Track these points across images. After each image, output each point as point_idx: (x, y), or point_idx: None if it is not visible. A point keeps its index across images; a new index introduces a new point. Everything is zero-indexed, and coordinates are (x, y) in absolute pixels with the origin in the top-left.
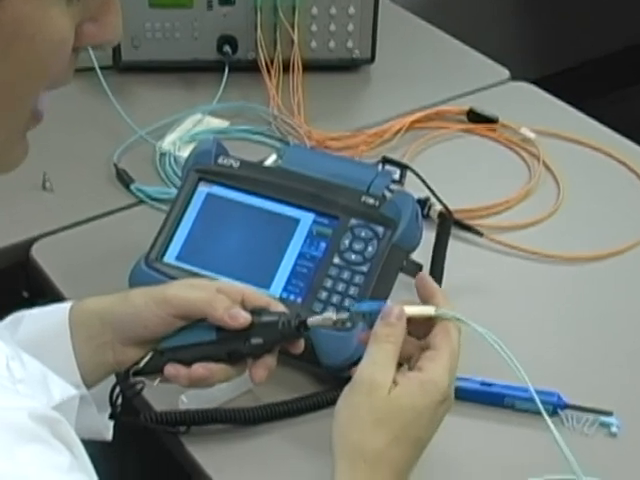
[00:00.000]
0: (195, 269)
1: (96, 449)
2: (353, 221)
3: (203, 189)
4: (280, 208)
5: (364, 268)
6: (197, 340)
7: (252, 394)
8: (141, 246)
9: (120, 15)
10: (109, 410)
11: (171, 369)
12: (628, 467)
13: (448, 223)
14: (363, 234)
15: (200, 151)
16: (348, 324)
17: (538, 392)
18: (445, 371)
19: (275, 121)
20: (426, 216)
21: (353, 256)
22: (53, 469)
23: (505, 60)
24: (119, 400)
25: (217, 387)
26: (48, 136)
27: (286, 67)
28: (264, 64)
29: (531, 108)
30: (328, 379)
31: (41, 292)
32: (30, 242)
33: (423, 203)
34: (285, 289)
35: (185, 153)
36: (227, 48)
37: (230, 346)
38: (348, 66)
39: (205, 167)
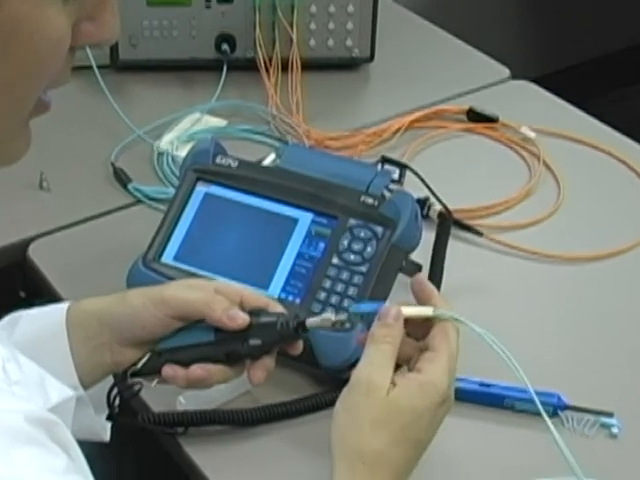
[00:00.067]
0: (193, 269)
1: (93, 450)
2: (352, 221)
3: (201, 189)
4: (278, 208)
5: (363, 268)
6: (195, 341)
7: (250, 395)
8: (139, 246)
9: (117, 14)
10: (106, 411)
11: (169, 370)
12: (629, 468)
13: (448, 223)
14: (362, 234)
15: (198, 150)
16: (347, 325)
17: (538, 393)
18: (444, 372)
19: (274, 120)
20: (425, 216)
21: (352, 256)
22: (49, 472)
23: (506, 58)
24: (117, 401)
25: (215, 388)
26: (45, 135)
27: (285, 66)
28: (263, 63)
29: (531, 107)
30: (327, 380)
31: (38, 292)
32: (27, 242)
33: (422, 203)
34: (284, 289)
35: (183, 152)
36: (225, 47)
37: (228, 347)
38: (347, 65)
39: (203, 167)
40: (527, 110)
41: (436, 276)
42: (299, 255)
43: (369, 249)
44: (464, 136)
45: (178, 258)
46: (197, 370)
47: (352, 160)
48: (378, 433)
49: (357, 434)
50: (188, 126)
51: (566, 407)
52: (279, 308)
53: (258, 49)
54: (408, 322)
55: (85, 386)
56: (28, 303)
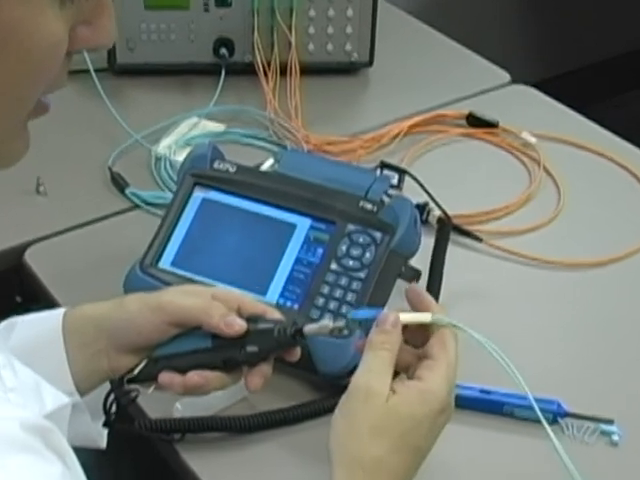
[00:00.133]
0: (190, 275)
1: (90, 457)
2: (350, 226)
3: (199, 194)
4: (277, 213)
5: (362, 274)
6: (192, 348)
7: (248, 402)
8: (136, 251)
9: (114, 18)
10: (103, 418)
11: (166, 377)
12: (629, 477)
13: (447, 228)
14: (361, 240)
15: (196, 155)
16: (345, 332)
17: (538, 400)
18: (444, 380)
19: (272, 125)
20: (425, 221)
21: (350, 262)
22: (45, 479)
23: (506, 63)
24: (113, 408)
25: (212, 395)
26: (42, 139)
27: (283, 70)
28: (261, 67)
29: (532, 112)
30: (325, 387)
31: (34, 297)
32: (23, 247)
33: (422, 208)
34: (282, 295)
35: (181, 157)
36: (224, 51)
37: (225, 354)
38: (346, 69)
39: (201, 171)
40: (527, 115)
41: (435, 282)
42: (297, 261)
43: (368, 255)
44: (464, 141)
45: (175, 263)
46: (194, 377)
47: (351, 165)
48: (377, 440)
49: (356, 441)
50: (186, 130)
51: (566, 414)
52: (277, 315)
53: (257, 53)
54: (406, 329)
55: (81, 392)
56: (24, 308)
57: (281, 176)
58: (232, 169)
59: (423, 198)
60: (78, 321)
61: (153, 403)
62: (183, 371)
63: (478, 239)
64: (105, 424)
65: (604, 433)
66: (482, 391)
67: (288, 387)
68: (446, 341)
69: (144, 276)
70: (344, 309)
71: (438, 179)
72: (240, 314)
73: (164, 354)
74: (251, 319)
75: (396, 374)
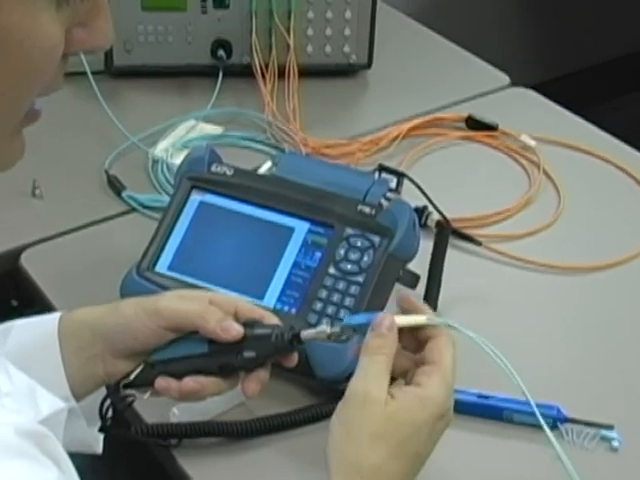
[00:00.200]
0: (187, 279)
1: (86, 463)
2: (349, 230)
3: (196, 197)
4: (274, 217)
5: (360, 278)
6: (188, 353)
7: (245, 407)
8: (132, 255)
9: (110, 20)
10: (99, 423)
11: (162, 382)
12: None
13: (446, 232)
14: (359, 243)
15: (193, 158)
16: (343, 337)
17: (537, 405)
18: (442, 386)
19: (270, 128)
20: (423, 225)
21: (349, 266)
22: None
23: (505, 65)
24: (109, 413)
25: (209, 400)
26: (38, 142)
27: (281, 72)
28: (259, 69)
29: (531, 115)
30: (322, 392)
31: (30, 301)
32: (19, 250)
33: (420, 212)
34: (279, 300)
35: (178, 160)
36: (221, 53)
37: (222, 359)
38: (345, 71)
39: (198, 175)
40: (527, 118)
41: (434, 286)
42: (295, 265)
43: (366, 259)
44: (463, 144)
45: (172, 267)
46: (190, 383)
47: (349, 168)
48: (376, 447)
49: (355, 447)
50: (183, 133)
51: (566, 420)
52: (274, 320)
53: (254, 55)
54: (402, 335)
55: (77, 397)
56: (20, 312)
57: (279, 179)
58: (229, 172)
59: (422, 201)
60: (74, 325)
61: (150, 408)
62: (179, 376)
63: (477, 243)
64: (101, 429)
65: (604, 439)
66: (481, 396)
67: (285, 392)
68: (443, 347)
69: (141, 280)
70: (342, 313)
71: (437, 182)
72: (237, 319)
73: (160, 359)
74: (248, 324)
75: (393, 380)
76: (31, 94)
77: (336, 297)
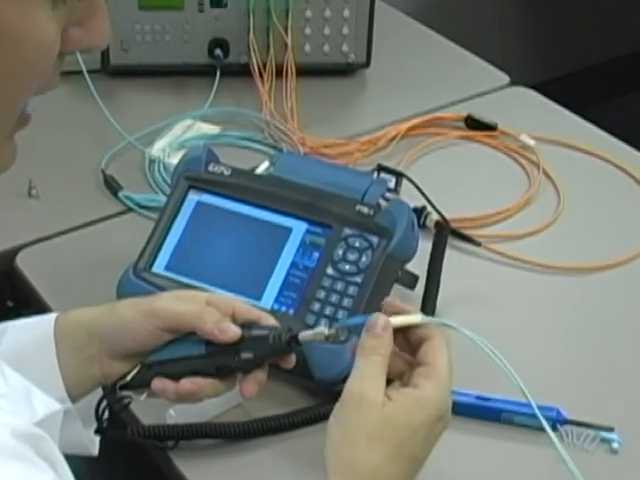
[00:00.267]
0: (184, 279)
1: (82, 465)
2: (347, 230)
3: (193, 197)
4: (272, 217)
5: (358, 279)
6: (186, 354)
7: (242, 408)
8: (129, 255)
9: (107, 19)
10: (95, 425)
11: (158, 383)
12: None
13: (445, 233)
14: (357, 244)
15: (190, 158)
16: (341, 338)
17: (537, 407)
18: (440, 387)
19: (268, 127)
20: (422, 225)
21: (347, 266)
22: None
23: (505, 65)
24: (105, 414)
25: (206, 401)
26: (34, 141)
27: (279, 71)
28: (257, 68)
29: (531, 114)
30: (320, 393)
31: (26, 302)
32: (15, 251)
33: (419, 212)
34: (277, 300)
35: (175, 160)
36: (219, 52)
37: (219, 360)
38: (343, 71)
39: (195, 174)
40: (526, 117)
41: (433, 287)
42: (293, 265)
43: (364, 259)
44: (462, 144)
45: (169, 268)
46: (187, 384)
47: (347, 168)
48: (373, 448)
49: (352, 449)
50: (180, 133)
51: (565, 421)
52: (272, 321)
53: (252, 54)
54: (396, 337)
55: (73, 399)
56: (16, 313)
57: (277, 179)
58: (227, 172)
59: (421, 202)
60: (70, 326)
61: (146, 409)
62: (176, 378)
63: (476, 243)
64: (97, 431)
65: (604, 440)
66: (479, 398)
67: (283, 393)
68: (438, 348)
69: (137, 280)
70: (340, 314)
71: (436, 182)
72: (235, 320)
73: (157, 360)
74: (245, 325)
75: (389, 382)
76: (27, 93)
77: (334, 298)
